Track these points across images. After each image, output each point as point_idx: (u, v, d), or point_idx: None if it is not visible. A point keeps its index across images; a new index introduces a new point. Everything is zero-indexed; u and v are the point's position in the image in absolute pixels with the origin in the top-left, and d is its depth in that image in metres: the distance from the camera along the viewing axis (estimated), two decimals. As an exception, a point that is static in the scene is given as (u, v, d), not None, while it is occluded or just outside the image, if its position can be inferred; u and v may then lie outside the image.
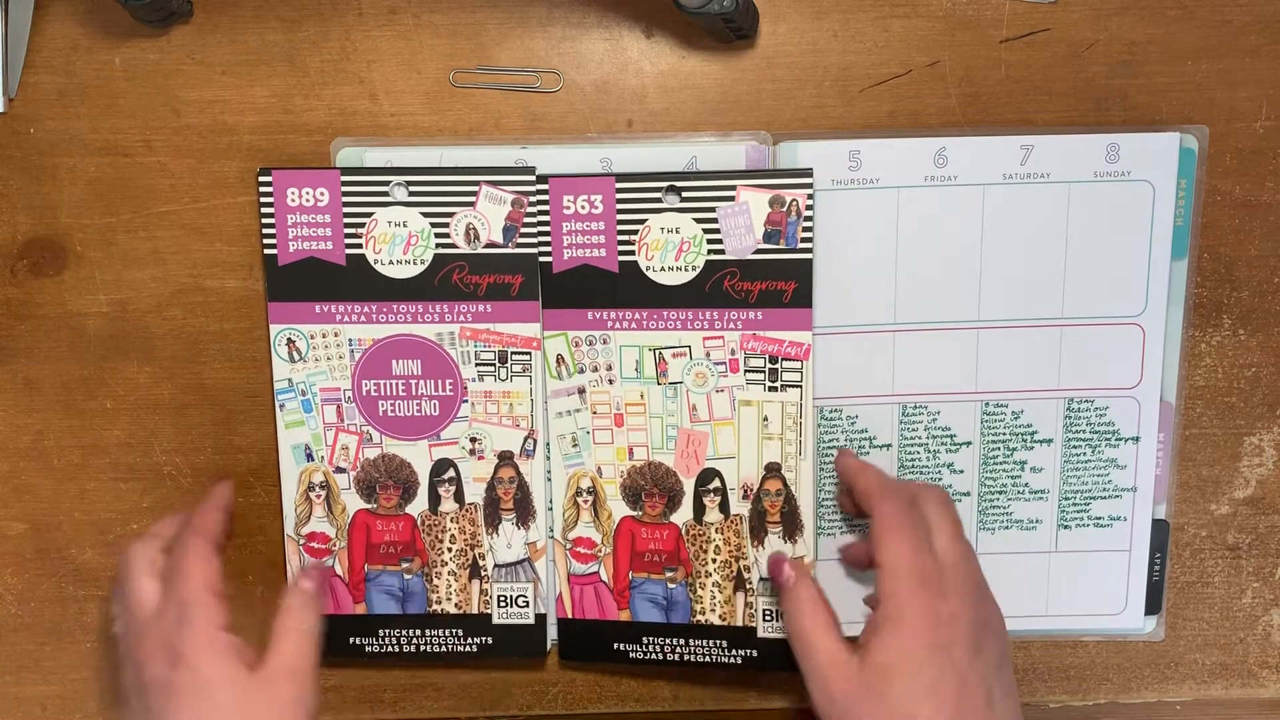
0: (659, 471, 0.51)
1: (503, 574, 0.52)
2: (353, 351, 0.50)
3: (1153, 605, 0.53)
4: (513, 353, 0.50)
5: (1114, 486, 0.52)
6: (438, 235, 0.49)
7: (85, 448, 0.53)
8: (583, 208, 0.48)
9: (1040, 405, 0.51)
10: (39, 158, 0.50)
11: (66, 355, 0.52)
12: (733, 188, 0.47)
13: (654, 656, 0.52)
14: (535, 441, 0.51)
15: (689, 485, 0.50)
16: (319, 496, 0.52)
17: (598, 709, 0.54)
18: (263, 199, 0.49)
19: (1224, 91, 0.50)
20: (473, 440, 0.51)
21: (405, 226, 0.49)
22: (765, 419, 0.49)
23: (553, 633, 0.53)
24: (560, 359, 0.50)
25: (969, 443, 0.52)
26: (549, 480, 0.51)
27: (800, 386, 0.49)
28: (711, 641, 0.51)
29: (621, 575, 0.52)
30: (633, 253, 0.48)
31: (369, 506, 0.52)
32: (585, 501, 0.51)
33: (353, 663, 0.54)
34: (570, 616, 0.52)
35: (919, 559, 0.42)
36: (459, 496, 0.52)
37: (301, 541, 0.52)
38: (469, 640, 0.52)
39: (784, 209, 0.47)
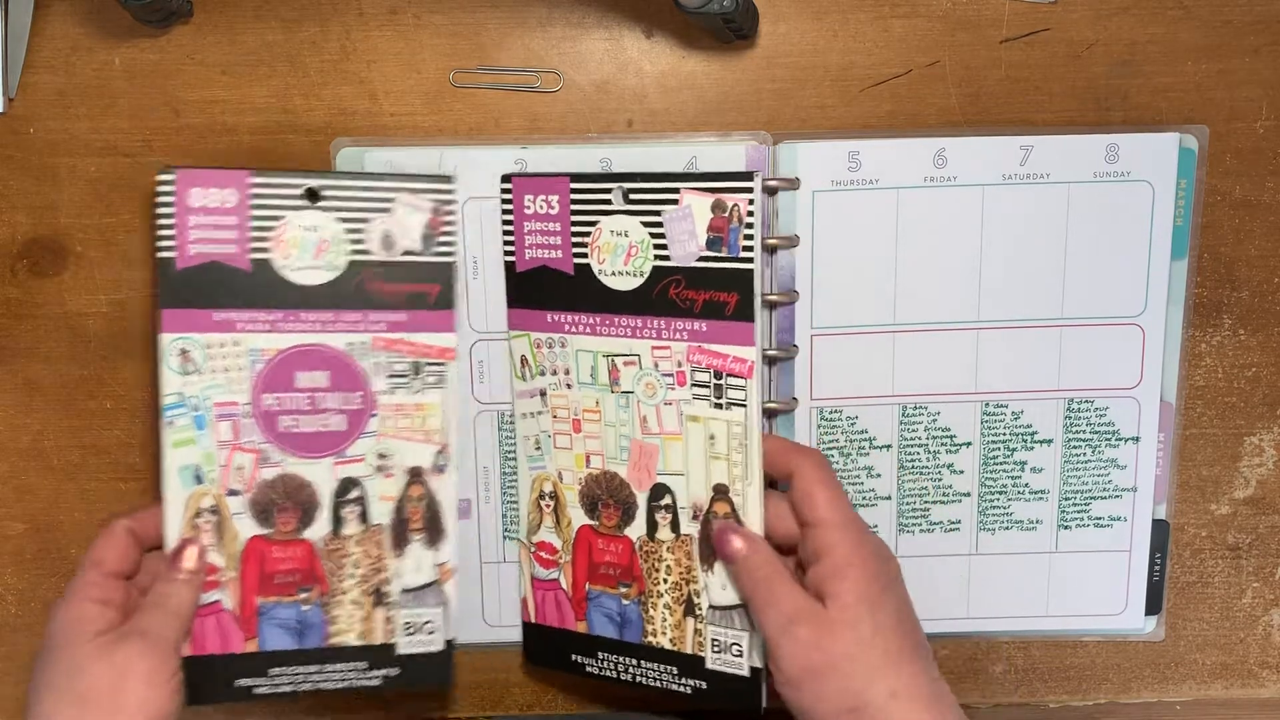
0: (614, 482, 0.49)
1: (410, 599, 0.49)
2: (254, 363, 0.47)
3: (1153, 605, 0.53)
4: (427, 363, 0.48)
5: (1114, 487, 0.52)
6: (353, 241, 0.47)
7: (85, 448, 0.53)
8: (541, 208, 0.48)
9: (1040, 405, 0.51)
10: (39, 158, 0.50)
11: (66, 355, 0.52)
12: (676, 189, 0.46)
13: (609, 673, 0.50)
14: (447, 456, 0.49)
15: (642, 499, 0.49)
16: (207, 523, 0.47)
17: (597, 708, 0.54)
18: (161, 199, 0.46)
19: (1224, 91, 0.50)
20: (381, 456, 0.48)
21: (317, 231, 0.47)
22: (712, 437, 0.47)
23: (518, 636, 0.52)
24: (524, 360, 0.49)
25: (969, 443, 0.52)
26: (515, 482, 0.52)
27: (745, 406, 0.46)
28: (662, 666, 0.49)
29: (580, 585, 0.51)
30: (586, 255, 0.48)
31: (264, 532, 0.48)
32: (548, 506, 0.51)
33: (241, 707, 0.53)
34: (534, 621, 0.52)
35: (851, 508, 0.44)
36: (364, 517, 0.48)
37: None
38: (371, 673, 0.49)
39: (725, 215, 0.45)
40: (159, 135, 0.50)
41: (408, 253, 0.48)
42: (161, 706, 0.43)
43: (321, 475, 0.48)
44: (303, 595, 0.48)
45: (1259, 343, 0.52)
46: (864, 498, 0.52)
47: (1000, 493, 0.52)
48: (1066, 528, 0.52)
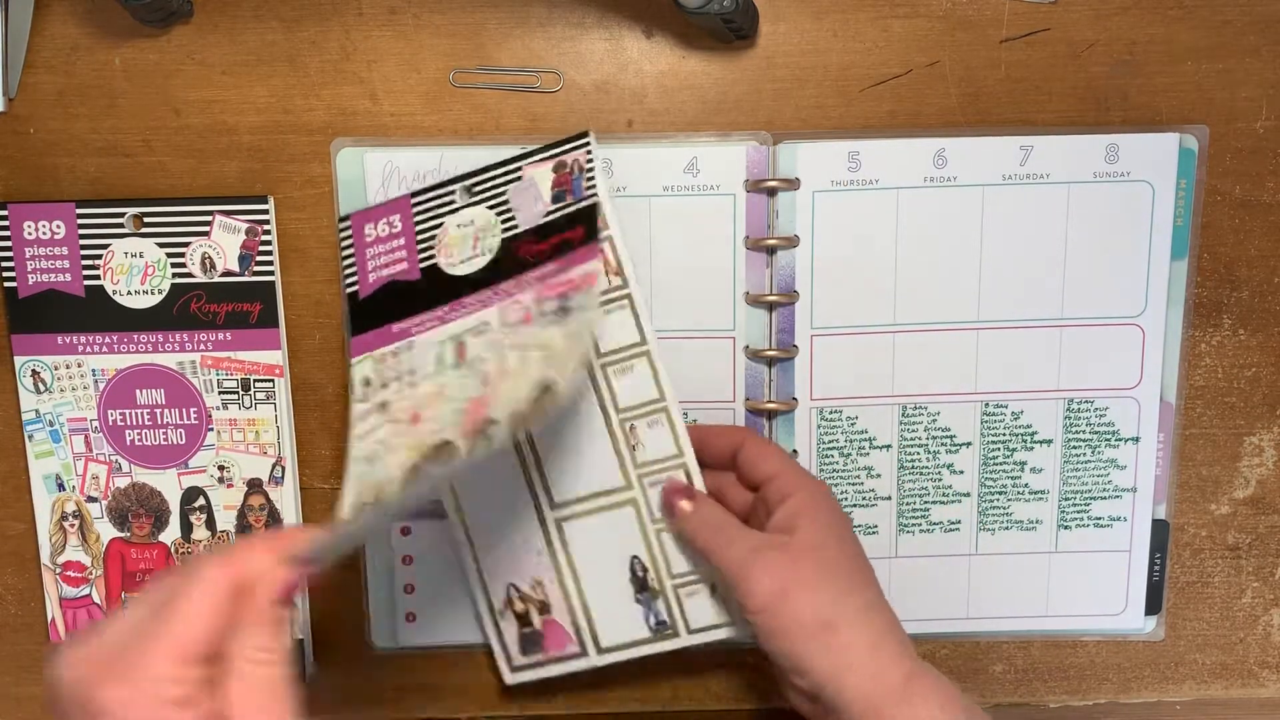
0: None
1: None
2: (97, 382, 0.51)
3: (1153, 605, 0.53)
4: (255, 380, 0.51)
5: (1114, 487, 0.52)
6: (174, 265, 0.50)
7: None
8: (383, 230, 0.49)
9: (1040, 406, 0.51)
10: (39, 158, 0.50)
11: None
12: (519, 168, 0.48)
13: None
14: (284, 469, 0.52)
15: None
16: (72, 526, 0.52)
17: (597, 709, 0.54)
18: None
19: (1224, 91, 0.50)
20: (220, 468, 0.52)
21: (141, 257, 0.50)
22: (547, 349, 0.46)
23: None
24: (367, 380, 0.49)
25: (969, 443, 0.52)
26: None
27: (587, 310, 0.44)
28: None
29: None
30: (433, 255, 0.48)
31: (123, 535, 0.52)
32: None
33: None
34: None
35: (794, 460, 0.47)
36: (210, 524, 0.52)
37: (58, 571, 0.53)
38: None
39: (568, 170, 0.47)
40: (159, 135, 0.50)
41: (227, 274, 0.50)
42: None
43: (168, 484, 0.52)
44: None
45: (1259, 343, 0.52)
46: (864, 498, 0.52)
47: (1000, 493, 0.52)
48: (1066, 528, 0.52)
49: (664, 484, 0.48)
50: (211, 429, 0.52)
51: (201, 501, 0.52)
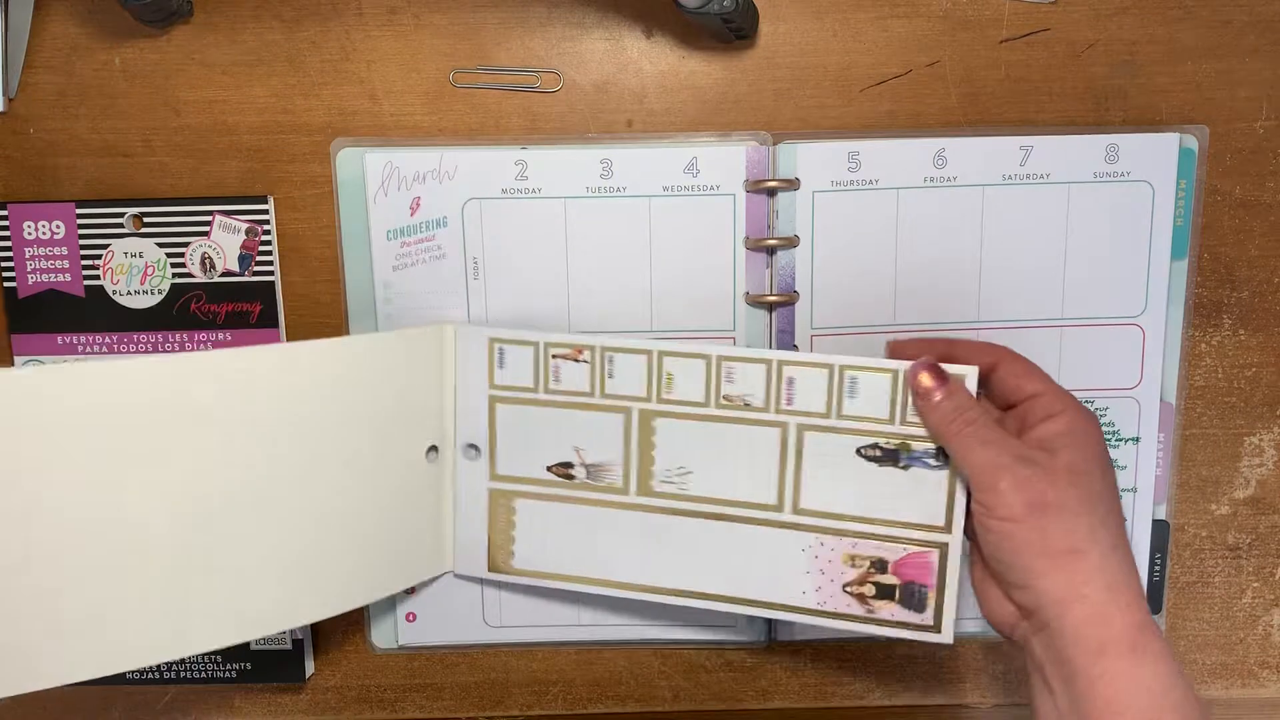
0: None
1: None
2: None
3: (1153, 605, 0.53)
4: None
5: (1114, 487, 0.52)
6: (174, 265, 0.50)
7: None
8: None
9: (1040, 405, 0.51)
10: (39, 158, 0.50)
11: (66, 355, 0.52)
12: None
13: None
14: None
15: None
16: None
17: (597, 709, 0.55)
18: None
19: (1224, 91, 0.50)
20: None
21: (141, 257, 0.50)
22: None
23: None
24: None
25: (969, 443, 0.52)
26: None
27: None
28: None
29: None
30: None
31: None
32: None
33: (116, 687, 0.54)
34: None
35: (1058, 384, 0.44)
36: None
37: None
38: (228, 666, 0.53)
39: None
40: (159, 135, 0.50)
41: (227, 274, 0.50)
42: None
43: None
44: None
45: (1259, 343, 0.52)
46: (864, 498, 0.52)
47: (1000, 493, 0.52)
48: (1066, 528, 0.52)
49: (906, 373, 0.45)
50: None
51: None
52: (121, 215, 0.50)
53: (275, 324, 0.51)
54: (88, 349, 0.51)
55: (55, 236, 0.50)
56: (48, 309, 0.51)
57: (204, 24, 0.50)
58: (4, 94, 0.50)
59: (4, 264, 0.50)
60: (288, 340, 0.51)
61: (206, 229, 0.50)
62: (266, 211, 0.50)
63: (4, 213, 0.50)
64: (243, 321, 0.51)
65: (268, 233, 0.50)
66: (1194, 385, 0.52)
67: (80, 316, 0.51)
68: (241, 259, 0.50)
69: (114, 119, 0.50)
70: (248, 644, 0.53)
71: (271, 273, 0.50)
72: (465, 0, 0.50)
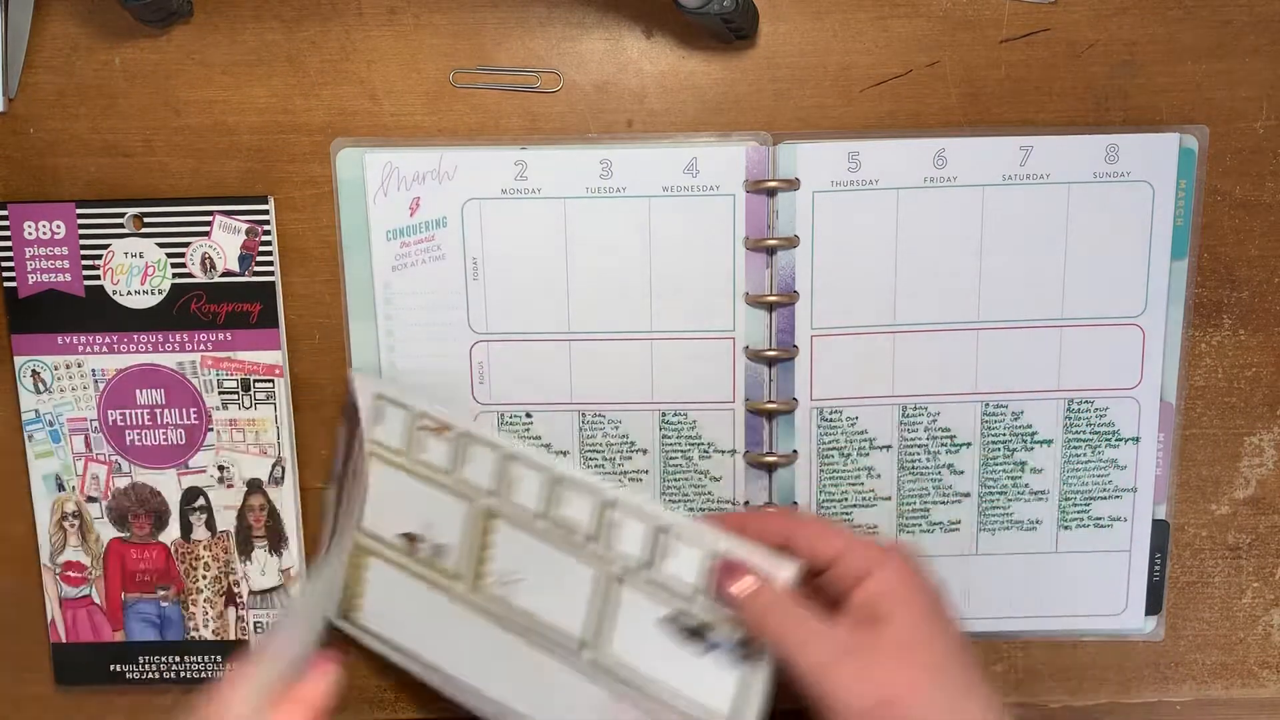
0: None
1: (258, 601, 0.53)
2: (97, 381, 0.51)
3: (1153, 605, 0.53)
4: (255, 380, 0.51)
5: (1114, 487, 0.52)
6: (174, 265, 0.50)
7: None
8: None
9: (1040, 406, 0.51)
10: (39, 158, 0.50)
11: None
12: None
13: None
14: (284, 469, 0.52)
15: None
16: (72, 526, 0.53)
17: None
18: None
19: (1224, 91, 0.50)
20: (220, 469, 0.52)
21: (141, 257, 0.50)
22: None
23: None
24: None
25: (969, 443, 0.52)
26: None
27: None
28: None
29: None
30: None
31: (122, 535, 0.53)
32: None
33: (116, 690, 0.54)
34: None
35: (854, 532, 0.43)
36: (210, 524, 0.53)
37: (58, 571, 0.53)
38: (229, 666, 0.52)
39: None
40: (159, 135, 0.50)
41: (227, 274, 0.50)
42: None
43: (168, 485, 0.52)
44: (161, 593, 0.53)
45: (1259, 343, 0.52)
46: (864, 498, 0.52)
47: (1000, 493, 0.52)
48: (1067, 528, 0.52)
49: (713, 564, 0.42)
50: (211, 429, 0.52)
51: (201, 502, 0.52)
52: (122, 215, 0.50)
53: (275, 324, 0.51)
54: (88, 349, 0.51)
55: (55, 236, 0.50)
56: (48, 309, 0.51)
57: (204, 24, 0.50)
58: (4, 94, 0.50)
59: (4, 264, 0.50)
60: (288, 340, 0.51)
61: (207, 229, 0.50)
62: (267, 212, 0.50)
63: (4, 213, 0.50)
64: (243, 321, 0.51)
65: (268, 233, 0.50)
66: (1194, 385, 0.52)
67: (80, 316, 0.51)
68: (242, 259, 0.50)
69: (114, 119, 0.50)
70: (248, 644, 0.53)
71: (272, 273, 0.50)
72: (465, 0, 0.50)
